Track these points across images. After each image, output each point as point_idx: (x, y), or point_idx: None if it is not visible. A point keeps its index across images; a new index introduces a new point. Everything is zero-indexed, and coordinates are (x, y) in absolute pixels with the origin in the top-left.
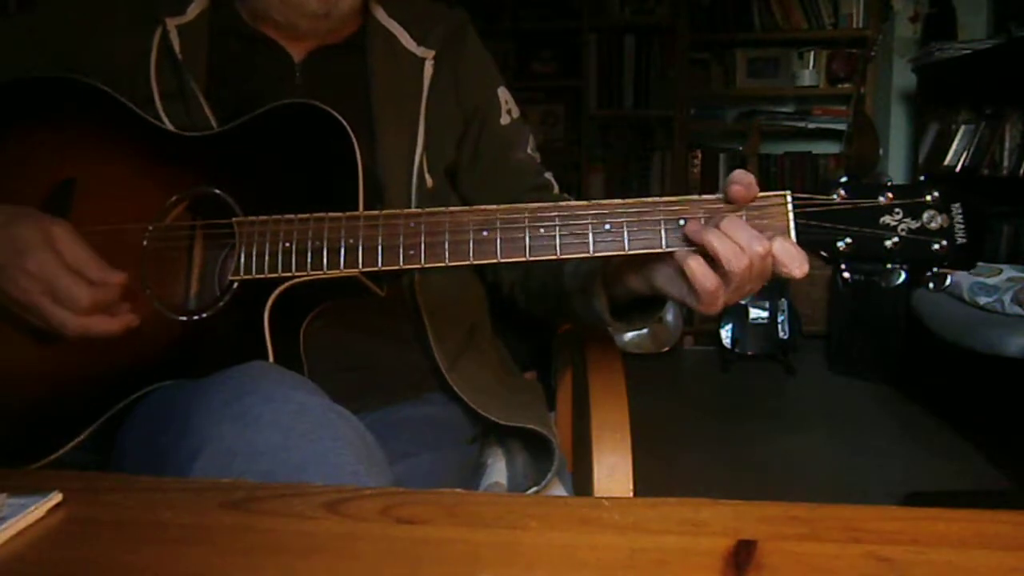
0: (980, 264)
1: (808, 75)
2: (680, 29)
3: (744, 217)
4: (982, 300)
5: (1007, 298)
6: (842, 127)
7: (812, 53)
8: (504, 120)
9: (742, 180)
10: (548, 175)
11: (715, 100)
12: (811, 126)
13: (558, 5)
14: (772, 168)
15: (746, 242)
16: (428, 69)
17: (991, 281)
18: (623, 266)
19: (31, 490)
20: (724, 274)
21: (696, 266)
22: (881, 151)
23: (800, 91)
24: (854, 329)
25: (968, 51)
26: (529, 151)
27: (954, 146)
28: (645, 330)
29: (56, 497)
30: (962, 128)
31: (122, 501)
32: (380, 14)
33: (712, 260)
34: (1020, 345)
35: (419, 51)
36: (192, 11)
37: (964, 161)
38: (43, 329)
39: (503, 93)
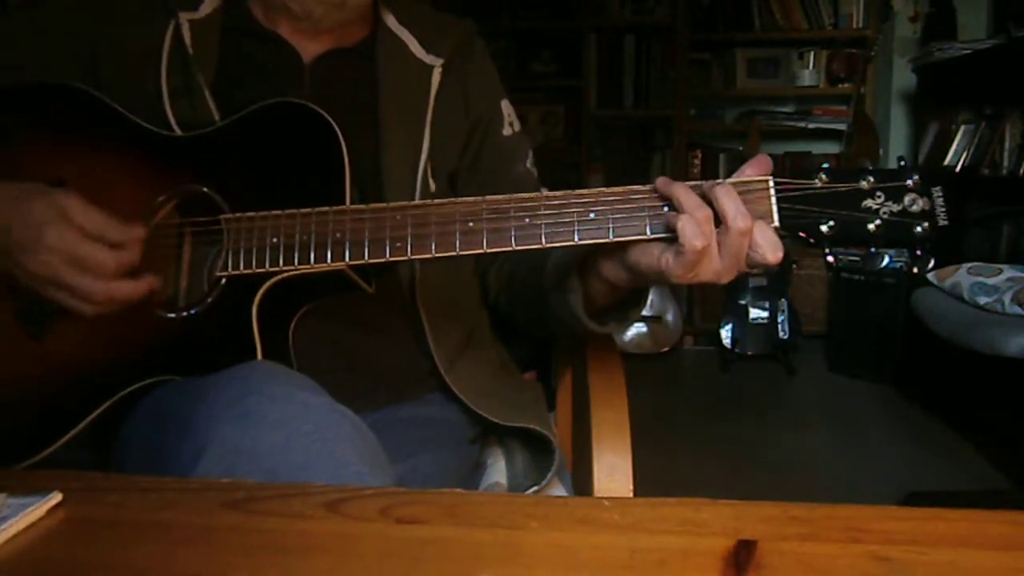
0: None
1: (808, 75)
2: (680, 29)
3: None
4: (982, 300)
5: (1007, 298)
6: (842, 127)
7: (812, 53)
8: (506, 132)
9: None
10: (544, 191)
11: (715, 100)
12: (811, 126)
13: (558, 5)
14: (772, 168)
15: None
16: (436, 77)
17: (991, 281)
18: (597, 253)
19: (31, 490)
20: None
21: (686, 223)
22: (881, 151)
23: (800, 91)
24: (854, 329)
25: (968, 51)
26: (528, 165)
27: (954, 146)
28: (645, 329)
29: (56, 497)
30: (962, 128)
31: (122, 501)
32: (390, 20)
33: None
34: (1020, 345)
35: (428, 59)
36: (205, 7)
37: (964, 161)
38: (60, 306)
39: (506, 106)
